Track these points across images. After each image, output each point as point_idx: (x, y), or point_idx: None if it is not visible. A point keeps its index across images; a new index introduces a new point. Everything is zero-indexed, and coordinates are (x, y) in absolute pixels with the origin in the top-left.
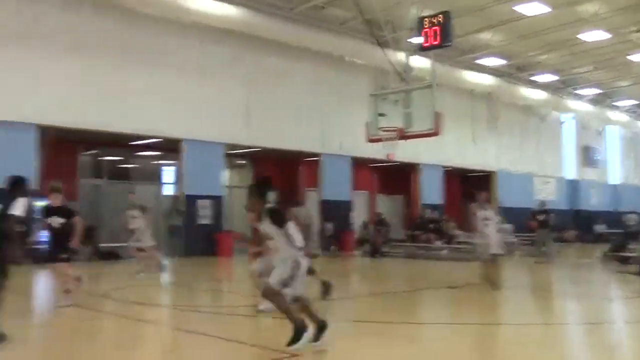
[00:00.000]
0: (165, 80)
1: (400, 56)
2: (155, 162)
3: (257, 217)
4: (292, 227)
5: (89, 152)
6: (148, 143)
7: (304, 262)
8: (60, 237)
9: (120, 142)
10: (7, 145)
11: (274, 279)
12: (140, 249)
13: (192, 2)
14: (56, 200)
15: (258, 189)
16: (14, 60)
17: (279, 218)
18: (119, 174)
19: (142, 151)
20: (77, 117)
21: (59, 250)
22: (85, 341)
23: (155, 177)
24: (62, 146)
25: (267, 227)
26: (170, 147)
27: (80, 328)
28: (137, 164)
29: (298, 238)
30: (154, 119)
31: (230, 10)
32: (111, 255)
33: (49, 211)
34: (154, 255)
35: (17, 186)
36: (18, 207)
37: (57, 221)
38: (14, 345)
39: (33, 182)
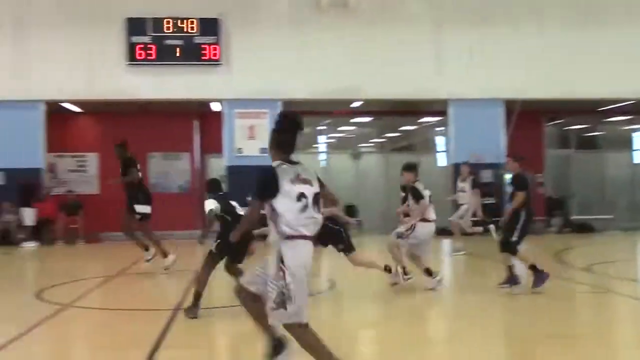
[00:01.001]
0: (632, 38)
1: None
2: (625, 127)
3: None
4: None
5: (554, 122)
6: (616, 107)
7: None
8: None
9: (586, 109)
10: (479, 121)
11: None
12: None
13: None
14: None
15: None
16: (472, 41)
17: None
18: (587, 143)
19: (610, 117)
20: (541, 88)
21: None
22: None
23: (625, 144)
24: (527, 117)
25: None
26: None
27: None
28: (605, 131)
29: None
30: (622, 81)
31: None
32: (584, 228)
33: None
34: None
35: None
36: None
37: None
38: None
39: (501, 155)
